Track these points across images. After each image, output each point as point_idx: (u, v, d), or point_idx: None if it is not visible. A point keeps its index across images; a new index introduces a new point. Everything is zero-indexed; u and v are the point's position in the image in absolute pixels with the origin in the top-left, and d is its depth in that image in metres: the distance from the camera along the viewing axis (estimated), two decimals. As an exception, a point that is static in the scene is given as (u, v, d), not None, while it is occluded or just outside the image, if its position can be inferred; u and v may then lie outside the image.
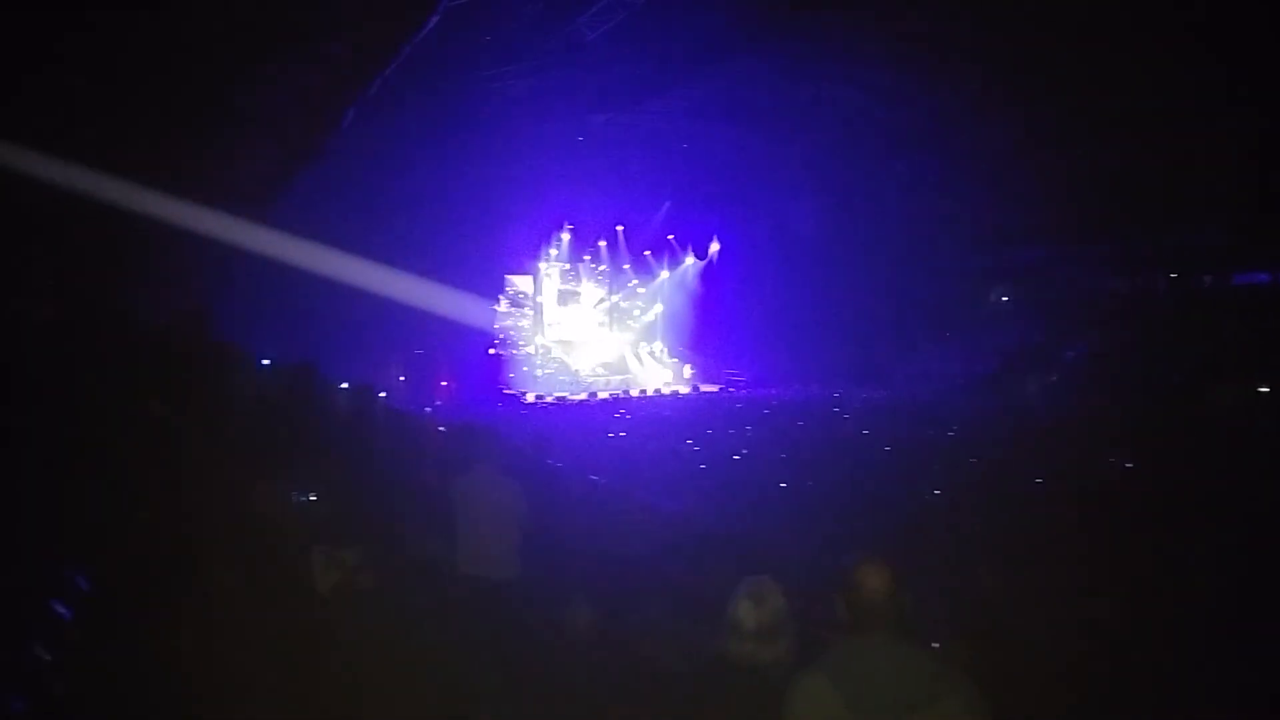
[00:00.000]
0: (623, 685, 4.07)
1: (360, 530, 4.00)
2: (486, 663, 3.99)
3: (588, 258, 26.25)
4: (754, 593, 3.21)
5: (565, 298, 26.27)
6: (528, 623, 4.76)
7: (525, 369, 25.05)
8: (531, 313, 25.60)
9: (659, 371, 27.19)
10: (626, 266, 26.83)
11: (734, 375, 26.62)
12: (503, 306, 24.83)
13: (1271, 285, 19.51)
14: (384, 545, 4.30)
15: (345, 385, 9.06)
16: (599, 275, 26.60)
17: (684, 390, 25.93)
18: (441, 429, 9.07)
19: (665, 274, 27.32)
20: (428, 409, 17.48)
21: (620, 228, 26.11)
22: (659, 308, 27.44)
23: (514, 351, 25.04)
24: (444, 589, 4.87)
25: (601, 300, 26.82)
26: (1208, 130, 15.50)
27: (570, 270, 26.21)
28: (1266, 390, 15.54)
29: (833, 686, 2.62)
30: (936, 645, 3.87)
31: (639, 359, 27.30)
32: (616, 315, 27.13)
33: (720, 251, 27.01)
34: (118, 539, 3.22)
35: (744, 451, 13.82)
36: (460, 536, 5.22)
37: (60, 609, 2.89)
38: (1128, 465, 11.25)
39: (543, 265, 25.61)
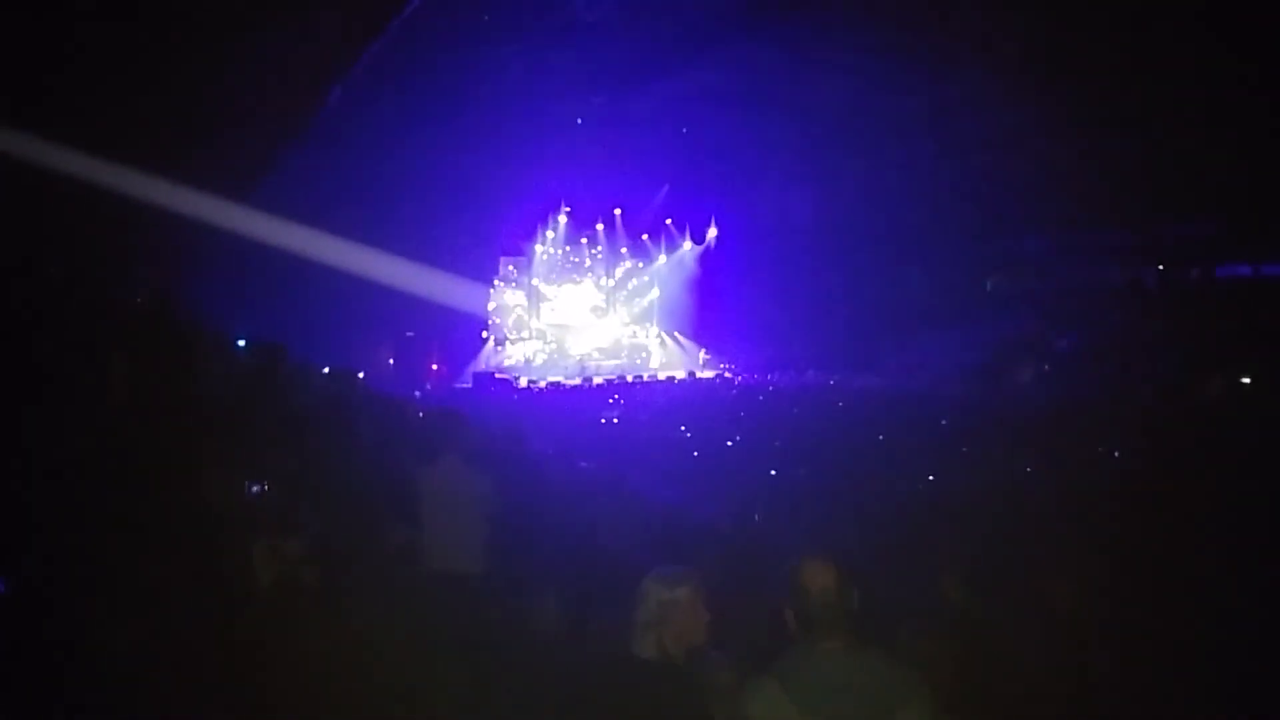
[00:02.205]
0: (587, 681, 3.91)
1: (310, 521, 3.82)
2: (444, 659, 3.83)
3: (584, 241, 26.00)
4: (654, 582, 3.13)
5: (561, 281, 26.04)
6: (492, 618, 4.60)
7: (519, 353, 24.87)
8: (526, 296, 25.39)
9: (654, 356, 26.98)
10: (624, 250, 26.55)
11: (730, 361, 26.44)
12: (497, 289, 24.62)
13: (1264, 278, 19.39)
14: (343, 536, 4.13)
15: (326, 369, 8.89)
16: (595, 258, 26.36)
17: (679, 375, 25.71)
18: (422, 414, 8.91)
19: (662, 258, 27.00)
20: (416, 393, 17.33)
21: (618, 211, 25.80)
22: (655, 292, 27.15)
23: (507, 335, 24.85)
24: (406, 583, 4.70)
25: (597, 284, 26.59)
26: (1205, 122, 15.35)
27: (566, 253, 25.97)
28: (1248, 381, 15.47)
29: (785, 694, 2.51)
30: (914, 633, 3.75)
31: (634, 344, 27.09)
32: (612, 299, 26.90)
33: (718, 237, 26.73)
34: (43, 533, 3.04)
35: (737, 438, 13.64)
36: (425, 528, 5.04)
37: None
38: (1115, 454, 11.12)
39: (538, 248, 25.36)
